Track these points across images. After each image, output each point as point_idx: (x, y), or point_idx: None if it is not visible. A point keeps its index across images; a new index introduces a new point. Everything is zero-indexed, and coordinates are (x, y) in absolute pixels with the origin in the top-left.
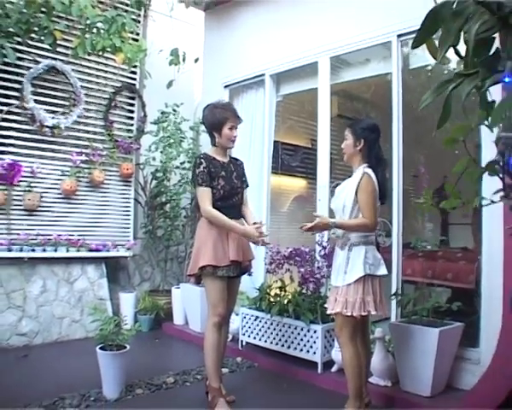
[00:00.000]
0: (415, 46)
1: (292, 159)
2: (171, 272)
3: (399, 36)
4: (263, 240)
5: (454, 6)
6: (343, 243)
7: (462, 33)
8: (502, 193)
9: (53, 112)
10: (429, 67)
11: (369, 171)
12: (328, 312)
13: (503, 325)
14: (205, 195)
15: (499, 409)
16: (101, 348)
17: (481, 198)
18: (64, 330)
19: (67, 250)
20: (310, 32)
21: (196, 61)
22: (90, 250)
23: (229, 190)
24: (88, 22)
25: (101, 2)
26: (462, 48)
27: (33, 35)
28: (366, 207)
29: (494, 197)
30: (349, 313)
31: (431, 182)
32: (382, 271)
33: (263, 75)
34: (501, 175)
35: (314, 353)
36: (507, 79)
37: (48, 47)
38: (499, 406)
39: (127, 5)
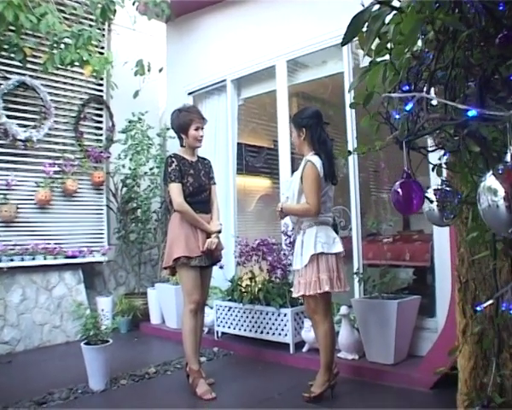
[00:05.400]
0: (342, 44)
1: (256, 160)
2: (145, 275)
3: None
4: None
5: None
6: (298, 228)
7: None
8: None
9: (25, 126)
10: None
11: (313, 158)
12: (294, 295)
13: (452, 297)
14: (177, 190)
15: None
16: (85, 344)
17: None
18: (45, 336)
19: (45, 258)
20: (267, 37)
21: (160, 70)
22: (67, 257)
23: (198, 187)
24: (56, 38)
25: (67, 19)
26: None
27: (3, 52)
28: (309, 194)
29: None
30: (312, 293)
31: (393, 177)
32: (337, 248)
33: (224, 80)
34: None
35: (285, 335)
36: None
37: (17, 63)
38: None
39: (91, 20)
